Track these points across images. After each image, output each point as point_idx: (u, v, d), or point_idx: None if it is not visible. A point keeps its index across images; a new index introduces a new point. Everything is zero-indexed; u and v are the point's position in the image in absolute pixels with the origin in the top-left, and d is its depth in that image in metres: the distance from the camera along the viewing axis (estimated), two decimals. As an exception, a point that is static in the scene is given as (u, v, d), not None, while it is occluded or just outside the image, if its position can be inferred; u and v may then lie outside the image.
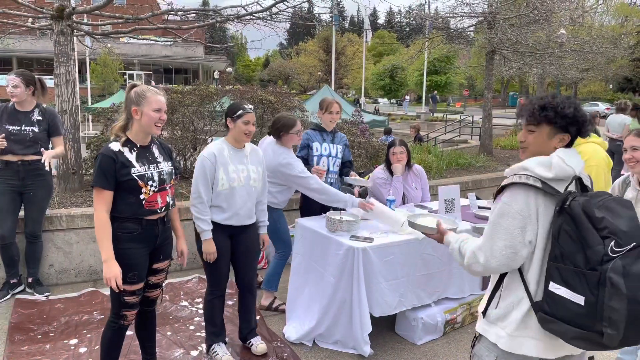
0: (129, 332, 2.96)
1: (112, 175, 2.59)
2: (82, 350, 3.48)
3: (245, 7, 6.49)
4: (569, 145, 1.92)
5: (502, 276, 1.90)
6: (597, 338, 1.63)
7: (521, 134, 1.99)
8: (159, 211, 2.72)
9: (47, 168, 4.23)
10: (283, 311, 4.05)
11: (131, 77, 46.08)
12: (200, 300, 4.37)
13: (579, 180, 1.88)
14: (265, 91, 7.55)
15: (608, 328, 1.60)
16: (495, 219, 1.84)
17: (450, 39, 11.83)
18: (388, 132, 11.71)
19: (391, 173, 4.58)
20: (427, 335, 3.74)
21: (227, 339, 3.55)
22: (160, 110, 2.66)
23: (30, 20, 6.45)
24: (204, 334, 3.55)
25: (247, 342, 3.52)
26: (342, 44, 53.45)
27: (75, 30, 5.71)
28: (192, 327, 3.89)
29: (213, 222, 3.23)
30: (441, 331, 3.81)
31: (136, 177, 2.63)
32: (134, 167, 2.64)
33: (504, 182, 1.87)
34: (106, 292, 4.48)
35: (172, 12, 6.28)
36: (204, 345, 3.52)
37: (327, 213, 3.80)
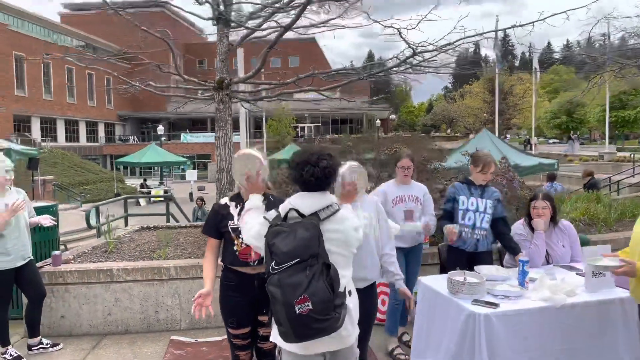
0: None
1: (215, 225, 2.93)
2: (213, 394, 3.75)
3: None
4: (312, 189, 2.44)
5: None
6: None
7: None
8: (251, 264, 2.89)
9: None
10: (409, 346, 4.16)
11: (302, 129, 49.97)
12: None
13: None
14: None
15: (280, 326, 2.18)
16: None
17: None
18: (552, 177, 10.55)
19: (532, 229, 4.16)
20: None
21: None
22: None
23: (199, 92, 7.52)
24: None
25: None
26: (511, 83, 50.85)
27: (232, 98, 6.48)
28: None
29: None
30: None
31: (230, 230, 2.88)
32: (232, 220, 2.91)
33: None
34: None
35: (351, 71, 6.66)
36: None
37: (449, 273, 3.57)
